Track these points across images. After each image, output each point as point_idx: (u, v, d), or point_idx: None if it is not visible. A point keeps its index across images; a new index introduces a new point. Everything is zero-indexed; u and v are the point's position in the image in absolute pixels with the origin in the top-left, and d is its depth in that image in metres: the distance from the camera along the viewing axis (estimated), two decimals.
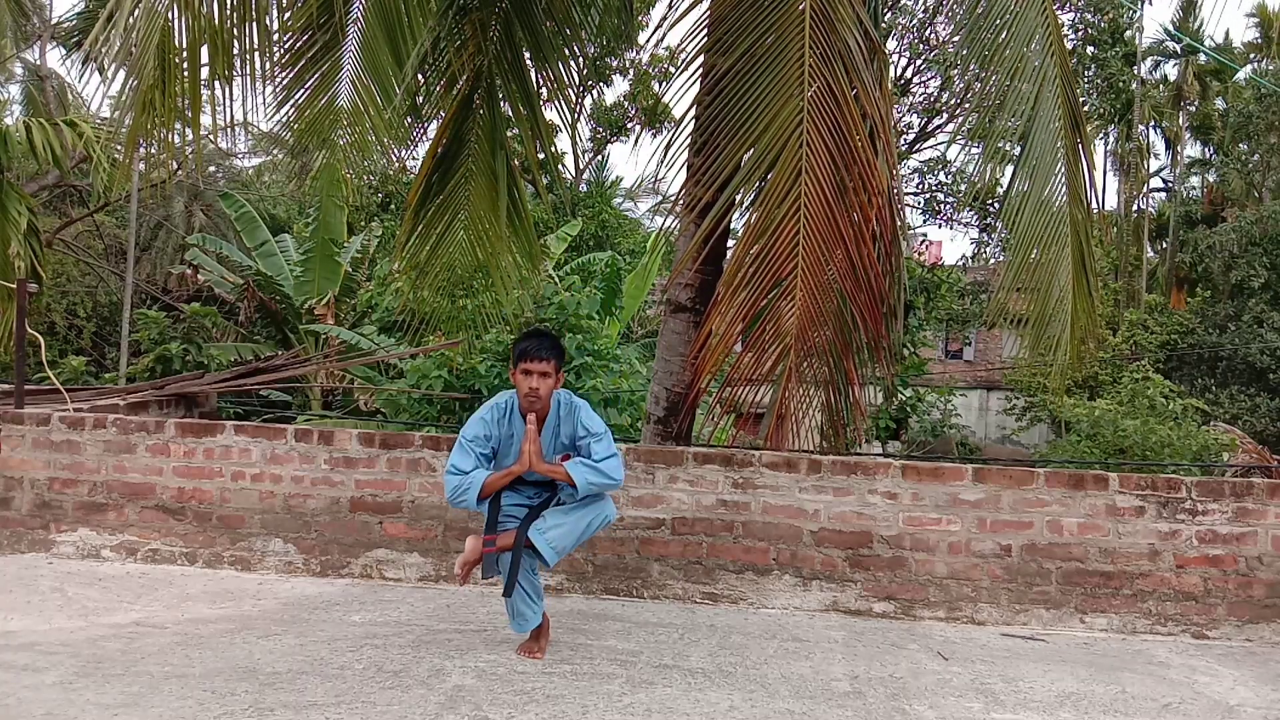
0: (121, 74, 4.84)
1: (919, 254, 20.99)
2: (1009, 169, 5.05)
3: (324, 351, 13.10)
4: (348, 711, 3.14)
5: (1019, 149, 4.89)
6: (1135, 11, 22.65)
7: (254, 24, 5.04)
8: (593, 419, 3.77)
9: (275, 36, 5.25)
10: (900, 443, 18.34)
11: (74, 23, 17.59)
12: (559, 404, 3.78)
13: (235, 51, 4.97)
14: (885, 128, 4.71)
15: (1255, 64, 26.92)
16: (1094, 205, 5.10)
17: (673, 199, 5.63)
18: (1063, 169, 4.83)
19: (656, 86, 22.06)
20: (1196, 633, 4.56)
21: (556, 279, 12.54)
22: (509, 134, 6.55)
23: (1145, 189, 29.98)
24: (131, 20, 4.71)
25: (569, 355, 9.46)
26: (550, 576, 4.78)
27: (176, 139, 5.05)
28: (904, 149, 21.02)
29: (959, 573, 4.64)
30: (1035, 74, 4.81)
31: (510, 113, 6.38)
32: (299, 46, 5.38)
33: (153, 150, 5.15)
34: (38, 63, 20.23)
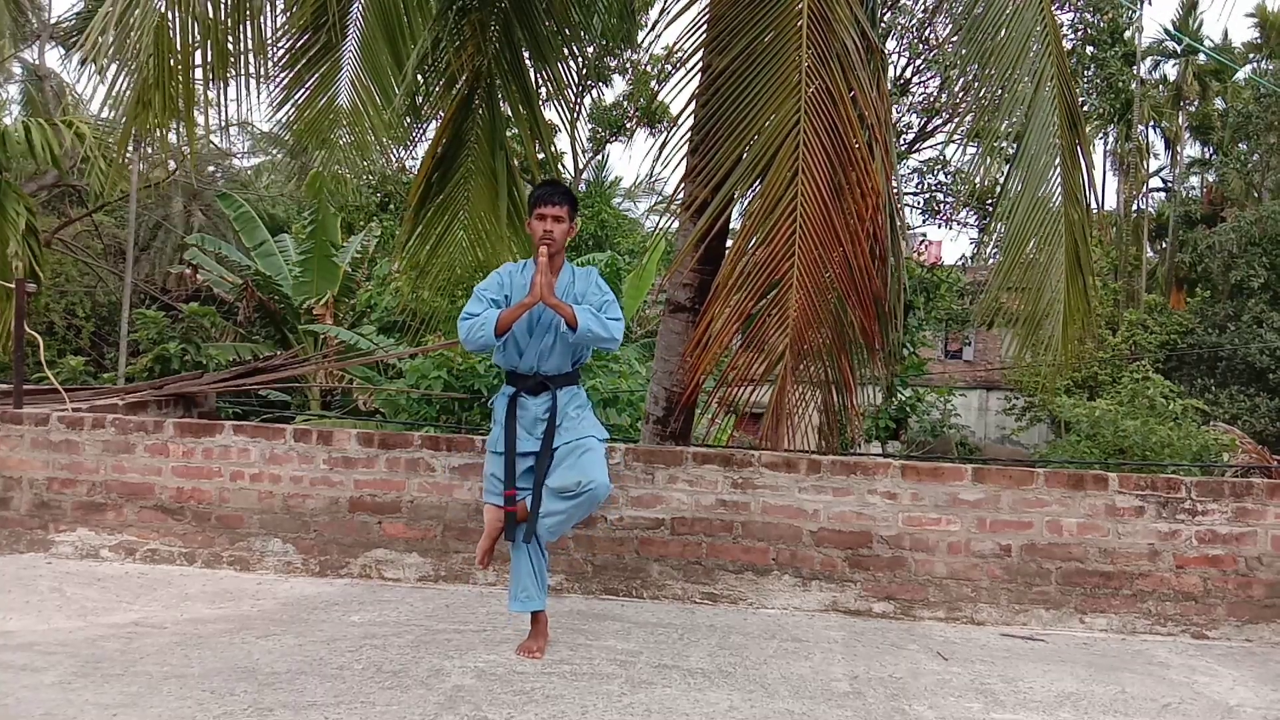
0: (118, 73, 4.83)
1: (919, 254, 20.99)
2: (1006, 169, 5.06)
3: (323, 351, 13.10)
4: (347, 711, 3.14)
5: (1014, 149, 4.90)
6: (1135, 11, 22.66)
7: (251, 24, 5.04)
8: (605, 286, 3.84)
9: (274, 37, 5.25)
10: (900, 443, 18.34)
11: (73, 23, 17.59)
12: (574, 270, 3.85)
13: (233, 52, 4.97)
14: (883, 128, 4.71)
15: (1255, 64, 26.92)
16: (1092, 205, 5.11)
17: (670, 198, 5.62)
18: (1058, 168, 4.82)
19: (655, 87, 22.04)
20: (1196, 633, 4.55)
21: None
22: (508, 134, 6.55)
23: (1145, 189, 30.01)
24: (130, 20, 4.70)
25: None
26: (550, 576, 4.77)
27: (174, 138, 5.05)
28: (904, 149, 21.02)
29: (958, 573, 4.63)
30: (1032, 74, 4.82)
31: (510, 113, 6.39)
32: (299, 47, 5.39)
33: (151, 150, 5.15)
34: (36, 63, 20.23)
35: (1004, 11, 4.86)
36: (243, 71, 5.05)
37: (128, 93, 4.77)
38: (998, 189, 5.29)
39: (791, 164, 4.40)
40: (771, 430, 4.62)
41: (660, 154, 4.72)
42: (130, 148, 5.02)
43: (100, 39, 4.69)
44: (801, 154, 4.39)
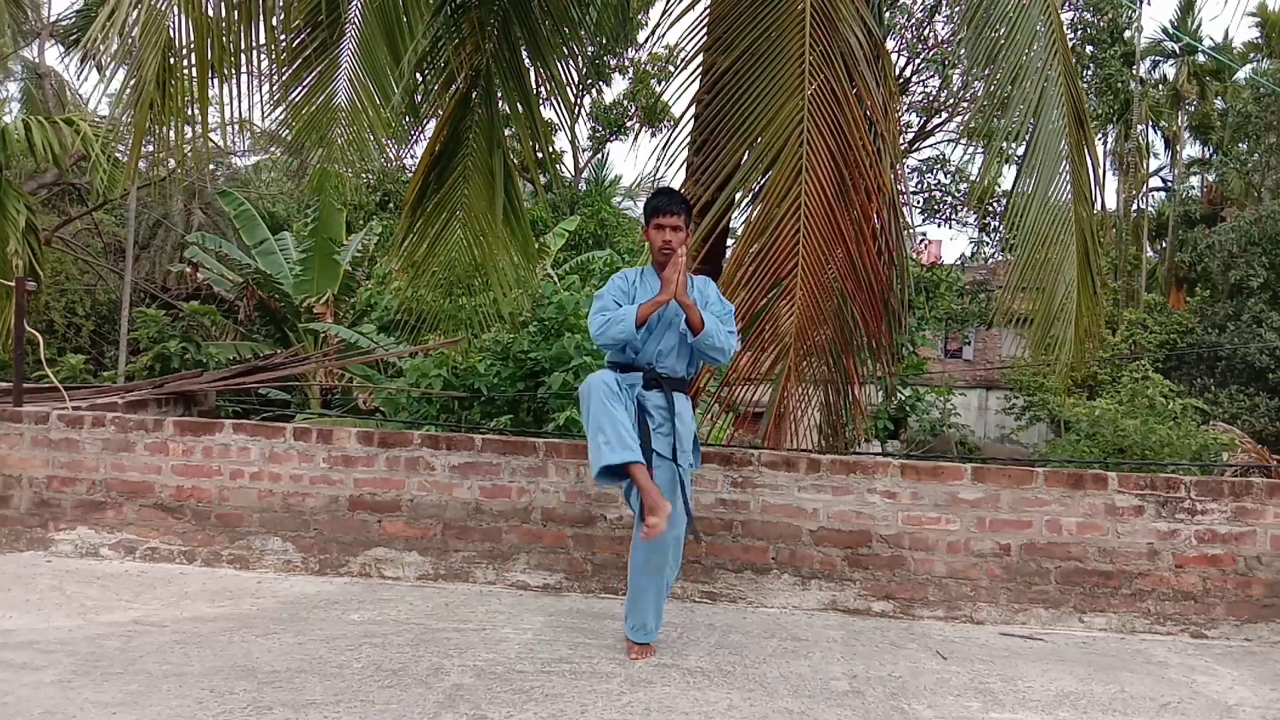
0: (121, 72, 4.83)
1: (918, 253, 21.00)
2: (1011, 168, 5.06)
3: (323, 350, 13.09)
4: (346, 710, 3.14)
5: (1024, 148, 4.89)
6: (1134, 11, 22.65)
7: (256, 23, 5.04)
8: (721, 297, 3.87)
9: (275, 35, 5.25)
10: (899, 442, 18.33)
11: (72, 20, 17.58)
12: (691, 278, 3.84)
13: (234, 50, 4.97)
14: (888, 127, 4.70)
15: (1256, 62, 26.91)
16: (1097, 204, 5.11)
17: None
18: (1067, 167, 4.82)
19: (656, 85, 22.03)
20: (1195, 632, 4.56)
21: (555, 278, 12.53)
22: (506, 133, 6.54)
23: (1144, 189, 30.03)
24: (131, 19, 4.70)
25: (568, 354, 9.45)
26: (550, 575, 4.78)
27: (174, 136, 5.05)
28: (903, 148, 21.00)
29: (958, 572, 4.63)
30: (1039, 72, 4.81)
31: (508, 111, 6.38)
32: (297, 45, 5.38)
33: (154, 149, 5.15)
34: (36, 61, 20.22)
35: (1010, 8, 4.86)
36: (243, 70, 5.04)
37: (132, 92, 4.77)
38: (1008, 188, 5.28)
39: (795, 163, 4.40)
40: (773, 429, 4.62)
41: (663, 154, 4.73)
42: (130, 146, 5.02)
43: (102, 39, 4.69)
44: (805, 152, 4.39)
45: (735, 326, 3.79)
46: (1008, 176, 5.04)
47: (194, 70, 4.86)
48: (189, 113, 4.98)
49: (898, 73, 20.96)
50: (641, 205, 4.14)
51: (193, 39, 4.79)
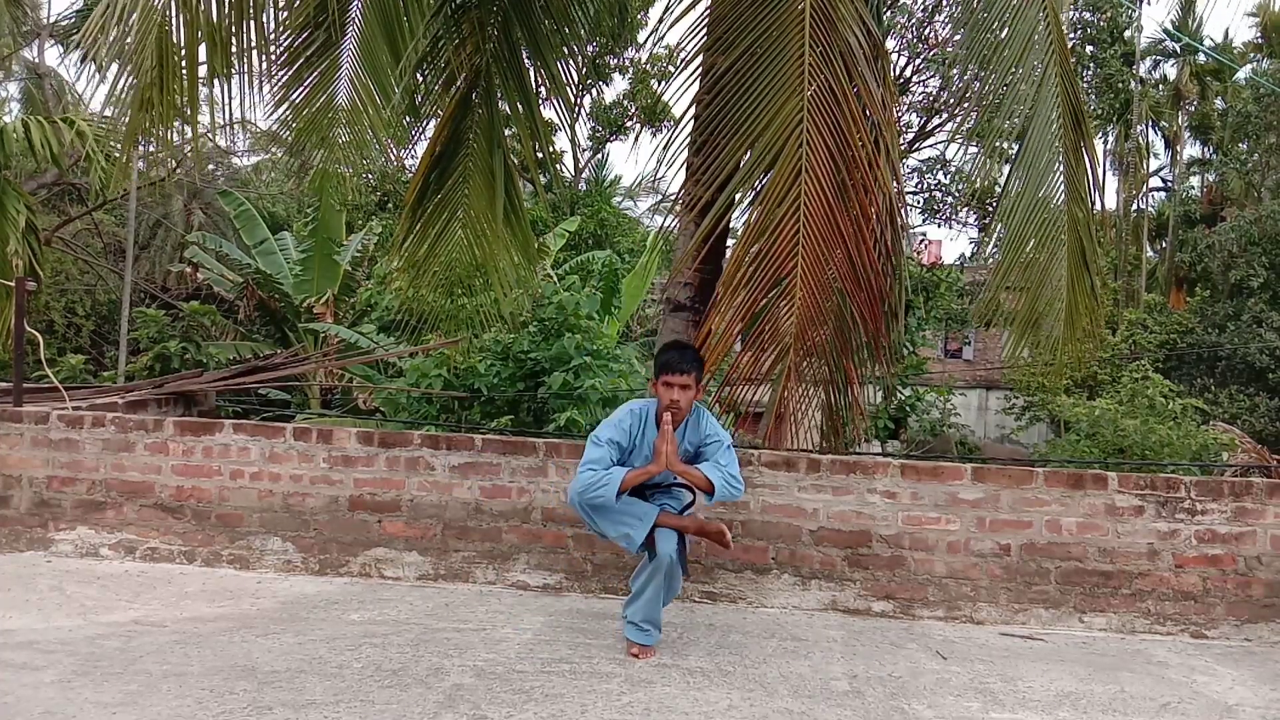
0: (120, 72, 4.83)
1: (918, 253, 21.01)
2: (1006, 168, 5.06)
3: (323, 350, 13.09)
4: (346, 710, 3.14)
5: (1016, 148, 4.89)
6: (1134, 10, 22.66)
7: (253, 22, 5.03)
8: (718, 426, 3.90)
9: (273, 35, 5.25)
10: (899, 442, 18.32)
11: (72, 20, 17.59)
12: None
13: (233, 50, 4.97)
14: (888, 127, 4.70)
15: (1256, 62, 26.91)
16: (1096, 204, 5.10)
17: (672, 198, 5.62)
18: (1061, 168, 4.82)
19: (656, 85, 22.02)
20: (1195, 632, 4.56)
21: (555, 278, 12.54)
22: (506, 133, 6.54)
23: (1144, 189, 30.05)
24: (130, 18, 4.70)
25: (568, 354, 9.45)
26: (550, 575, 4.78)
27: (175, 137, 5.05)
28: (903, 148, 21.00)
29: (958, 572, 4.63)
30: (1034, 73, 4.81)
31: (508, 111, 6.38)
32: (297, 45, 5.38)
33: (151, 149, 5.15)
34: (36, 61, 20.22)
35: (1007, 9, 4.85)
36: (243, 69, 5.04)
37: (129, 92, 4.77)
38: (998, 189, 5.28)
39: (794, 163, 4.40)
40: (773, 429, 4.62)
41: (664, 154, 4.72)
42: (123, 145, 5.02)
43: (100, 37, 4.69)
44: (805, 153, 4.38)
45: (734, 456, 3.83)
46: (1006, 177, 5.04)
47: (187, 69, 4.85)
48: (186, 112, 4.97)
49: (897, 73, 20.96)
50: (639, 206, 4.16)
51: (184, 38, 4.79)
